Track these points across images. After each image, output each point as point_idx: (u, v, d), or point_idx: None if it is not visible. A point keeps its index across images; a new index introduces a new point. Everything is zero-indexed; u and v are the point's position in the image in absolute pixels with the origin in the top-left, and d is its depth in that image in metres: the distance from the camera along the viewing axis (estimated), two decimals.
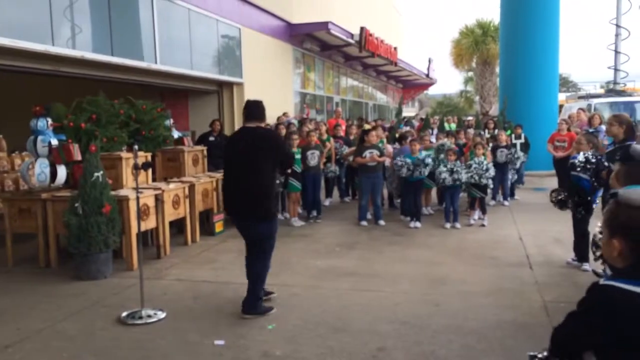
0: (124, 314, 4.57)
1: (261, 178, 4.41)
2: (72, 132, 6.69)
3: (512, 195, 10.77)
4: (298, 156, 8.51)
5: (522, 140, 11.58)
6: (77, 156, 6.37)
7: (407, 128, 12.50)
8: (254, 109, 4.68)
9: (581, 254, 5.89)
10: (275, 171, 4.61)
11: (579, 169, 5.60)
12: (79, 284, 5.61)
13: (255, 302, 4.50)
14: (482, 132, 11.54)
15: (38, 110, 6.49)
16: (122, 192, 6.17)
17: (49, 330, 4.36)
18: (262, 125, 4.68)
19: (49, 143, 6.39)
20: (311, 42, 15.89)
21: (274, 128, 9.70)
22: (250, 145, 4.43)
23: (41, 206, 6.21)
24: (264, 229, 4.50)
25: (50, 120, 6.48)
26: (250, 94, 12.32)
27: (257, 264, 4.57)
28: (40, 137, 6.42)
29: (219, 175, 8.33)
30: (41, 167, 6.40)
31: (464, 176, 8.00)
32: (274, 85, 13.77)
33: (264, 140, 4.50)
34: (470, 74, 33.17)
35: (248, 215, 4.47)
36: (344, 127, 11.14)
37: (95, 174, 5.73)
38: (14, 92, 11.83)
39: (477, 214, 8.49)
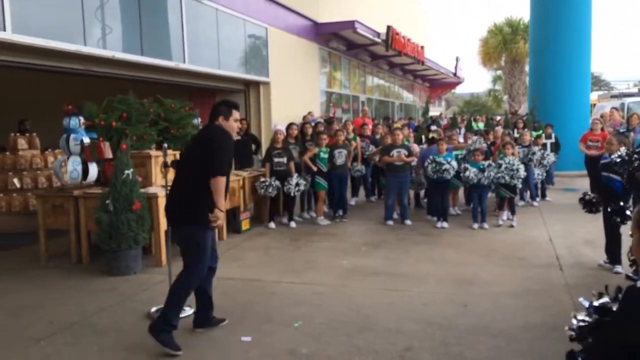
0: (153, 309, 4.63)
1: (188, 180, 3.98)
2: (103, 131, 6.82)
3: (543, 195, 10.60)
4: (325, 155, 8.52)
5: (553, 140, 11.38)
6: (108, 154, 6.49)
7: (434, 127, 12.39)
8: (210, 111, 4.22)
9: (613, 256, 5.77)
10: (203, 177, 3.87)
11: (616, 165, 5.46)
12: (109, 279, 5.71)
13: (162, 327, 3.83)
14: (511, 132, 11.35)
15: (70, 109, 6.63)
16: (152, 190, 6.26)
17: (80, 325, 4.46)
18: (216, 123, 4.08)
19: (81, 141, 6.52)
20: (337, 41, 15.87)
21: (300, 127, 9.73)
22: (188, 146, 4.28)
23: (73, 203, 6.34)
24: (184, 232, 3.97)
25: (82, 119, 6.62)
26: (276, 93, 12.40)
27: (178, 279, 3.97)
28: (72, 135, 6.55)
29: (245, 173, 8.40)
30: (73, 165, 6.54)
31: (492, 174, 7.88)
32: (300, 84, 13.80)
33: (197, 140, 4.20)
34: (499, 72, 32.69)
35: (170, 217, 4.10)
36: (370, 127, 11.10)
37: (126, 172, 5.83)
38: (47, 92, 12.13)
39: (505, 214, 8.37)
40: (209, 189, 3.85)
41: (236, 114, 4.19)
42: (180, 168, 4.17)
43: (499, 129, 10.87)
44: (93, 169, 6.66)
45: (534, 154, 9.63)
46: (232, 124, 4.14)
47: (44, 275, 5.95)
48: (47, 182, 8.79)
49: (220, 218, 3.92)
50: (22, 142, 8.92)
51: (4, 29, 6.10)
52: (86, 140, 6.56)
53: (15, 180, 8.58)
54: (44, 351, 3.97)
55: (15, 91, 13.36)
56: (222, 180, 3.88)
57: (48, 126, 9.27)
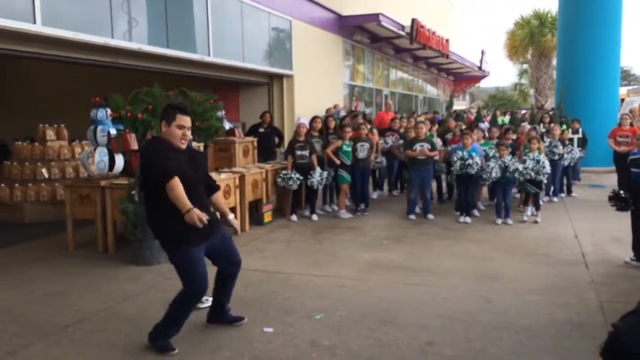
0: None
1: (148, 202, 3.73)
2: (129, 122, 6.90)
3: (569, 191, 10.44)
4: (348, 149, 8.51)
5: (580, 135, 11.18)
6: (134, 145, 6.58)
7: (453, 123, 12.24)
8: None
9: None
10: (158, 192, 3.54)
11: None
12: (135, 268, 5.81)
13: (159, 336, 3.76)
14: (537, 126, 11.18)
15: (98, 100, 6.75)
16: None
17: (107, 312, 4.55)
18: (162, 131, 3.67)
19: (108, 132, 6.64)
20: (361, 34, 15.79)
21: (323, 120, 9.73)
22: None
23: (100, 193, 6.46)
24: (168, 255, 3.77)
25: (109, 111, 6.73)
26: (300, 86, 12.42)
27: (177, 296, 3.78)
28: (99, 127, 6.68)
29: (268, 166, 8.44)
30: (100, 156, 6.66)
31: (518, 168, 7.78)
32: (323, 77, 13.79)
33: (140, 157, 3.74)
34: (525, 66, 32.16)
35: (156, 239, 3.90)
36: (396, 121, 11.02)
37: None
38: (75, 84, 12.35)
39: (530, 210, 8.27)
40: (167, 204, 3.50)
41: (182, 119, 3.59)
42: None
43: (525, 125, 10.68)
44: (119, 160, 6.77)
45: (556, 147, 9.50)
46: (174, 131, 3.57)
47: (71, 264, 6.08)
48: (74, 172, 8.97)
49: (194, 219, 3.44)
50: (50, 133, 9.10)
51: (34, 22, 6.23)
52: (113, 131, 6.67)
53: (44, 171, 8.78)
54: (71, 337, 4.06)
55: (44, 83, 13.64)
56: (173, 182, 3.45)
57: (76, 118, 9.46)
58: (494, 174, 7.85)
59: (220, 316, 4.20)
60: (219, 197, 4.13)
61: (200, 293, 3.74)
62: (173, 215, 3.51)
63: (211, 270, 3.88)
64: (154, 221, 3.73)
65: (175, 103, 3.79)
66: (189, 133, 3.63)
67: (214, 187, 4.04)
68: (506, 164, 7.84)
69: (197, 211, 3.46)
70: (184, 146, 3.66)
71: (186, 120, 3.62)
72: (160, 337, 3.76)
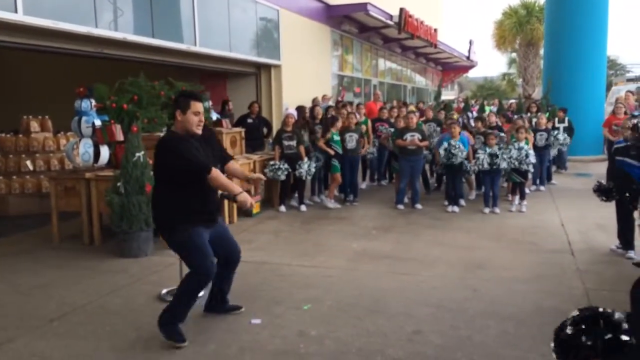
0: (164, 291, 4.68)
1: (159, 188, 3.84)
2: (114, 113, 6.84)
3: (549, 178, 10.48)
4: (337, 138, 8.49)
5: (566, 124, 11.24)
6: (119, 137, 6.51)
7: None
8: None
9: (626, 241, 5.71)
10: (179, 181, 3.69)
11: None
12: (121, 261, 5.77)
13: (168, 320, 3.74)
14: (524, 115, 11.23)
15: (82, 91, 6.65)
16: None
17: (92, 305, 4.51)
18: (176, 120, 3.77)
19: (93, 124, 6.55)
20: (349, 23, 15.72)
21: (309, 111, 9.68)
22: (156, 157, 3.85)
23: (85, 185, 6.39)
24: (170, 241, 3.81)
25: (93, 101, 6.64)
26: (288, 76, 12.34)
27: (185, 279, 3.79)
28: (84, 118, 6.58)
29: (256, 157, 8.40)
30: (85, 147, 6.58)
31: (504, 163, 7.81)
32: (311, 67, 13.72)
33: (159, 148, 3.79)
34: (514, 55, 32.24)
35: (158, 223, 3.94)
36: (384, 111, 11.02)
37: (137, 154, 5.85)
38: (59, 74, 12.17)
39: (517, 199, 8.31)
40: (178, 189, 3.69)
41: (196, 106, 3.71)
42: (155, 177, 3.94)
43: (519, 121, 10.68)
44: (104, 152, 6.69)
45: (557, 140, 9.61)
46: (191, 118, 3.69)
47: (56, 257, 6.02)
48: (59, 164, 8.86)
49: (247, 200, 3.66)
50: (34, 125, 8.97)
51: (16, 11, 6.11)
52: (97, 122, 6.59)
53: (28, 163, 8.66)
54: (56, 331, 4.02)
55: (27, 74, 13.44)
56: (213, 173, 3.63)
57: (60, 109, 9.32)
58: (485, 165, 7.85)
59: (219, 305, 4.22)
60: (234, 165, 4.19)
61: (210, 274, 3.77)
62: (182, 201, 3.69)
63: None
64: (163, 206, 3.78)
65: (187, 91, 3.91)
66: (203, 118, 3.77)
67: (227, 158, 4.12)
68: (493, 154, 7.85)
69: (246, 195, 3.69)
70: (199, 131, 3.77)
71: (200, 107, 3.75)
72: (169, 321, 3.74)
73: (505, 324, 3.99)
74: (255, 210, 8.05)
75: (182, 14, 9.09)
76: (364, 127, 9.47)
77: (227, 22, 10.33)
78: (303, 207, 8.41)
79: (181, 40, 9.02)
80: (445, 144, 8.10)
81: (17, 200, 8.40)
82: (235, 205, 7.58)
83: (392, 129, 9.79)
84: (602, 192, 5.47)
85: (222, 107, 10.50)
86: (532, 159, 7.99)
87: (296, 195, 8.62)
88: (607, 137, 10.11)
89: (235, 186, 3.78)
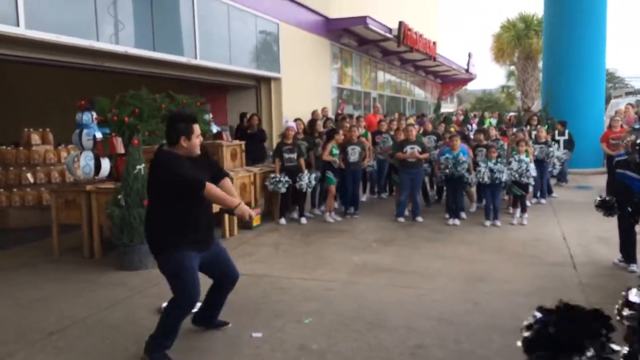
0: (164, 304, 4.61)
1: (152, 207, 3.76)
2: (115, 126, 6.86)
3: (549, 191, 10.47)
4: (336, 151, 8.50)
5: (566, 137, 11.27)
6: (120, 149, 6.53)
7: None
8: (166, 128, 3.77)
9: (628, 254, 5.70)
10: (172, 200, 3.59)
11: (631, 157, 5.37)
12: (121, 274, 5.75)
13: (155, 348, 3.64)
14: (524, 128, 11.25)
15: (83, 104, 6.67)
16: None
17: (92, 318, 4.49)
18: (176, 146, 3.63)
19: (94, 136, 6.57)
20: (349, 37, 15.81)
21: (308, 124, 9.72)
22: (149, 174, 3.78)
23: (86, 198, 6.38)
24: (160, 264, 3.70)
25: (94, 114, 6.66)
26: (287, 89, 12.39)
27: (169, 305, 3.72)
28: (85, 131, 6.60)
29: (256, 169, 8.41)
30: (86, 160, 6.59)
31: (504, 176, 7.82)
32: (311, 80, 13.78)
33: (152, 165, 3.71)
34: (512, 68, 32.40)
35: (149, 244, 3.82)
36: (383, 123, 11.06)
37: (138, 167, 5.85)
38: (60, 87, 12.21)
39: (518, 212, 8.30)
40: (171, 211, 3.59)
41: (197, 129, 3.68)
42: (149, 195, 3.85)
43: (519, 134, 10.67)
44: (105, 164, 6.70)
45: (552, 154, 9.60)
46: (195, 142, 3.64)
47: (56, 269, 6.00)
48: (60, 177, 8.87)
49: (245, 211, 3.65)
50: (35, 137, 8.99)
51: (18, 25, 6.14)
52: (99, 135, 6.60)
53: (29, 175, 8.66)
54: (56, 344, 4.00)
55: (29, 86, 13.48)
56: (208, 189, 3.55)
57: (61, 121, 9.34)
58: (486, 178, 7.84)
59: (207, 320, 4.16)
60: (227, 183, 3.98)
61: (192, 303, 3.67)
62: (175, 222, 3.59)
63: (206, 282, 3.82)
64: (155, 226, 3.68)
65: (185, 114, 3.80)
66: (201, 139, 3.75)
67: (220, 175, 3.95)
68: (492, 169, 7.83)
69: (245, 206, 3.67)
70: (198, 152, 3.74)
71: (199, 129, 3.73)
72: (157, 349, 3.64)
73: (507, 338, 3.96)
74: (256, 222, 8.04)
75: (182, 27, 9.15)
76: (364, 140, 9.48)
77: (228, 35, 10.39)
78: (303, 220, 8.40)
79: (182, 53, 9.07)
80: (449, 156, 8.10)
81: (18, 212, 8.39)
82: (235, 217, 7.58)
83: (387, 139, 9.84)
84: (604, 207, 5.45)
85: (241, 119, 10.59)
86: (533, 171, 8.00)
87: (297, 207, 8.61)
88: (606, 151, 10.11)
89: (232, 199, 3.72)
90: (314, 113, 11.77)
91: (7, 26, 6.03)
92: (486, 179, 7.83)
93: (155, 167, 3.66)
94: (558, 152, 10.31)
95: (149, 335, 3.68)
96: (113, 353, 3.82)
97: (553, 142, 10.26)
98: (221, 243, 4.04)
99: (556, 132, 11.23)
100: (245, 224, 7.89)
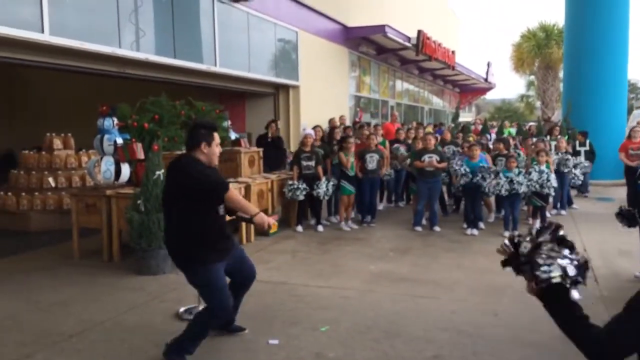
0: (182, 309, 4.67)
1: (172, 217, 3.68)
2: (136, 132, 6.94)
3: (570, 202, 10.33)
4: (352, 159, 8.48)
5: (587, 148, 11.12)
6: (140, 155, 6.59)
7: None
8: (187, 134, 3.79)
9: None
10: (199, 208, 3.56)
11: None
12: (140, 278, 5.79)
13: (176, 352, 3.64)
14: (545, 138, 11.14)
15: (104, 110, 6.78)
16: None
17: (111, 322, 4.52)
18: (196, 151, 3.62)
19: (115, 142, 6.65)
20: (367, 45, 15.84)
21: (327, 132, 9.74)
22: (168, 179, 3.78)
23: (106, 202, 6.45)
24: (190, 276, 3.68)
25: (115, 120, 6.75)
26: (306, 97, 12.44)
27: (201, 312, 3.74)
28: (106, 136, 6.69)
29: (274, 176, 8.43)
30: (107, 165, 6.67)
31: (523, 187, 7.73)
32: (329, 88, 13.82)
33: (172, 171, 3.69)
34: (532, 77, 32.12)
35: (174, 259, 3.81)
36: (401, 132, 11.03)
37: (157, 173, 5.91)
38: (83, 93, 12.42)
39: (538, 223, 8.20)
40: (200, 222, 3.57)
41: (217, 137, 3.70)
42: (165, 203, 3.78)
43: (540, 144, 10.53)
44: (125, 170, 6.78)
45: (567, 159, 9.44)
46: (215, 150, 3.68)
47: (76, 273, 6.06)
48: (81, 181, 8.99)
49: (264, 220, 3.58)
50: (57, 142, 9.13)
51: (42, 31, 6.27)
52: (119, 141, 6.69)
53: (51, 180, 8.79)
54: (75, 347, 4.03)
55: (51, 92, 13.73)
56: (231, 193, 3.55)
57: (83, 127, 9.49)
58: (503, 192, 7.77)
59: (225, 324, 4.14)
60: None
61: (225, 310, 3.66)
62: (202, 234, 3.57)
63: None
64: (181, 238, 3.61)
65: (206, 122, 3.84)
66: (220, 149, 3.78)
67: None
68: (511, 179, 7.75)
69: (264, 215, 3.61)
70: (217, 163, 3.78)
71: (218, 137, 3.74)
72: (178, 353, 3.64)
73: (527, 350, 3.91)
74: (273, 230, 8.02)
75: (203, 35, 9.25)
76: (382, 148, 9.45)
77: (247, 43, 10.48)
78: (320, 228, 8.40)
79: (202, 61, 9.16)
80: (467, 165, 8.05)
81: (39, 216, 8.51)
82: (252, 225, 7.59)
83: (401, 149, 9.79)
84: (624, 217, 5.36)
85: (267, 127, 10.63)
86: (554, 182, 7.89)
87: (314, 215, 8.61)
88: (625, 161, 9.95)
89: (252, 207, 3.75)
90: (330, 121, 11.79)
91: (32, 32, 6.16)
92: (503, 192, 7.75)
93: (175, 172, 3.65)
94: (577, 161, 10.15)
95: (172, 339, 3.69)
96: (131, 356, 3.85)
97: (571, 155, 10.12)
98: (237, 242, 4.07)
99: (577, 142, 11.09)
100: (262, 231, 7.90)
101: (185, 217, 3.58)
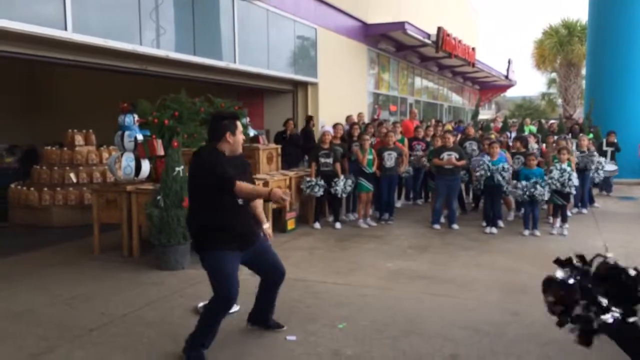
0: (200, 304, 4.70)
1: (193, 203, 3.80)
2: (156, 128, 7.00)
3: (591, 201, 10.16)
4: (370, 156, 8.44)
5: (613, 148, 10.95)
6: (160, 151, 6.65)
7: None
8: (210, 127, 3.89)
9: None
10: (211, 195, 3.64)
11: None
12: (159, 273, 5.85)
13: (192, 346, 3.71)
14: (567, 136, 10.97)
15: (125, 106, 6.85)
16: None
17: (131, 316, 4.58)
18: (221, 142, 3.72)
19: (135, 138, 6.72)
20: (386, 42, 15.76)
21: (347, 129, 9.71)
22: (189, 168, 3.87)
23: (126, 198, 6.53)
24: (202, 261, 3.75)
25: (136, 117, 6.82)
26: (324, 94, 12.43)
27: (209, 302, 3.77)
28: (127, 132, 6.76)
29: (292, 173, 8.44)
30: (127, 161, 6.75)
31: (546, 196, 7.62)
32: (348, 85, 13.79)
33: (194, 160, 3.80)
34: (554, 75, 31.68)
35: (193, 242, 3.92)
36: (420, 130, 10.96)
37: (177, 169, 5.96)
38: (104, 90, 12.57)
39: (559, 222, 8.09)
40: (211, 208, 3.65)
41: (240, 126, 3.83)
42: (189, 189, 3.90)
43: (562, 142, 10.34)
44: (145, 166, 6.85)
45: (592, 155, 9.29)
46: (240, 138, 3.79)
47: (97, 267, 6.15)
48: (101, 177, 9.11)
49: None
50: (78, 138, 9.26)
51: (65, 29, 6.35)
52: (140, 137, 6.75)
53: (72, 175, 8.92)
54: (95, 341, 4.09)
55: (73, 89, 13.92)
56: (239, 186, 3.57)
57: (104, 123, 9.61)
58: (519, 192, 7.68)
59: (263, 320, 4.21)
60: (258, 203, 4.11)
61: (230, 300, 3.68)
62: (215, 219, 3.66)
63: (255, 280, 3.84)
64: (198, 222, 3.73)
65: (229, 112, 4.03)
66: (244, 136, 3.88)
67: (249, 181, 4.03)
68: (533, 194, 7.64)
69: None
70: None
71: (241, 126, 3.86)
72: (195, 346, 3.69)
73: (546, 349, 3.87)
74: (291, 226, 8.08)
75: (222, 32, 9.29)
76: (401, 146, 9.38)
77: (266, 40, 10.50)
78: (338, 225, 8.39)
79: (221, 58, 9.21)
80: (489, 164, 7.96)
81: (61, 211, 8.65)
82: (270, 221, 7.62)
83: (421, 148, 9.74)
84: None
85: (307, 123, 10.85)
86: (575, 181, 7.77)
87: (332, 212, 8.60)
88: None
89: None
90: (348, 118, 11.75)
91: (55, 30, 6.25)
92: (525, 198, 7.66)
93: (196, 162, 3.74)
94: (599, 164, 9.94)
95: (189, 334, 3.73)
96: (151, 350, 3.89)
97: (596, 153, 9.94)
98: (264, 239, 4.08)
99: (604, 141, 10.90)
100: (280, 228, 7.93)
101: (204, 204, 3.69)
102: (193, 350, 3.68)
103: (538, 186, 7.57)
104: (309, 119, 11.13)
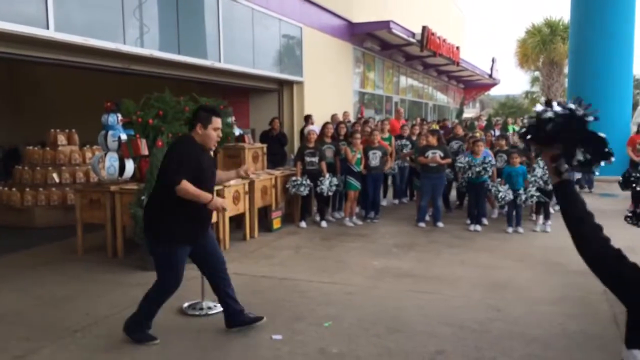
0: (185, 304, 4.69)
1: (155, 192, 3.93)
2: (140, 128, 6.93)
3: None
4: (359, 156, 8.46)
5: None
6: (144, 151, 6.60)
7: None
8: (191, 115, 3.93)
9: None
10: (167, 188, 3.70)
11: None
12: (143, 273, 5.79)
13: (134, 328, 3.95)
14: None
15: (109, 106, 6.78)
16: None
17: (115, 317, 4.54)
18: (193, 132, 3.80)
19: (119, 138, 6.66)
20: (372, 41, 15.79)
21: (334, 127, 9.71)
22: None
23: (110, 198, 6.47)
24: (152, 248, 3.93)
25: (120, 116, 6.75)
26: (310, 93, 12.41)
27: (152, 287, 3.96)
28: (110, 132, 6.70)
29: (278, 172, 8.43)
30: (111, 161, 6.68)
31: (524, 198, 7.73)
32: (333, 84, 13.79)
33: (167, 148, 3.90)
34: (537, 73, 32.03)
35: (145, 232, 4.01)
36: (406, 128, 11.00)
37: None
38: (87, 89, 12.42)
39: (542, 219, 8.18)
40: (175, 200, 3.67)
41: (216, 122, 3.81)
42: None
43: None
44: (129, 165, 6.79)
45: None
46: (211, 133, 3.78)
47: (80, 268, 6.09)
48: (84, 177, 9.01)
49: (219, 204, 3.83)
50: (61, 138, 9.15)
51: (47, 27, 6.27)
52: (123, 137, 6.69)
53: (55, 175, 8.81)
54: (79, 342, 4.05)
55: (56, 88, 13.75)
56: (184, 186, 3.61)
57: (87, 122, 9.51)
58: (506, 196, 7.77)
59: (238, 320, 4.17)
60: (219, 174, 4.28)
61: (172, 291, 3.92)
62: (177, 213, 3.74)
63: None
64: (156, 213, 3.82)
65: (208, 105, 4.01)
66: (220, 134, 3.90)
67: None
68: (516, 195, 7.75)
69: (219, 199, 3.84)
70: (214, 147, 3.99)
71: (219, 123, 3.86)
72: (137, 329, 3.95)
73: (530, 347, 3.91)
74: (276, 225, 8.07)
75: (207, 30, 9.24)
76: (386, 145, 9.41)
77: (252, 38, 10.46)
78: (324, 223, 8.40)
79: (206, 57, 9.15)
80: (470, 159, 8.03)
81: (43, 211, 8.54)
82: (256, 220, 7.61)
83: (407, 145, 9.77)
84: (636, 217, 5.36)
85: (306, 122, 10.82)
86: None
87: (317, 211, 8.61)
88: (631, 156, 9.92)
89: (205, 194, 3.75)
90: (333, 117, 11.74)
91: (37, 29, 6.16)
92: (507, 198, 7.76)
93: (169, 147, 3.87)
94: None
95: (128, 317, 3.98)
96: (135, 352, 3.86)
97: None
98: (211, 231, 4.23)
99: None
100: (266, 227, 7.92)
101: (165, 193, 3.73)
102: (139, 332, 3.94)
103: (521, 191, 7.71)
104: (307, 118, 11.13)
